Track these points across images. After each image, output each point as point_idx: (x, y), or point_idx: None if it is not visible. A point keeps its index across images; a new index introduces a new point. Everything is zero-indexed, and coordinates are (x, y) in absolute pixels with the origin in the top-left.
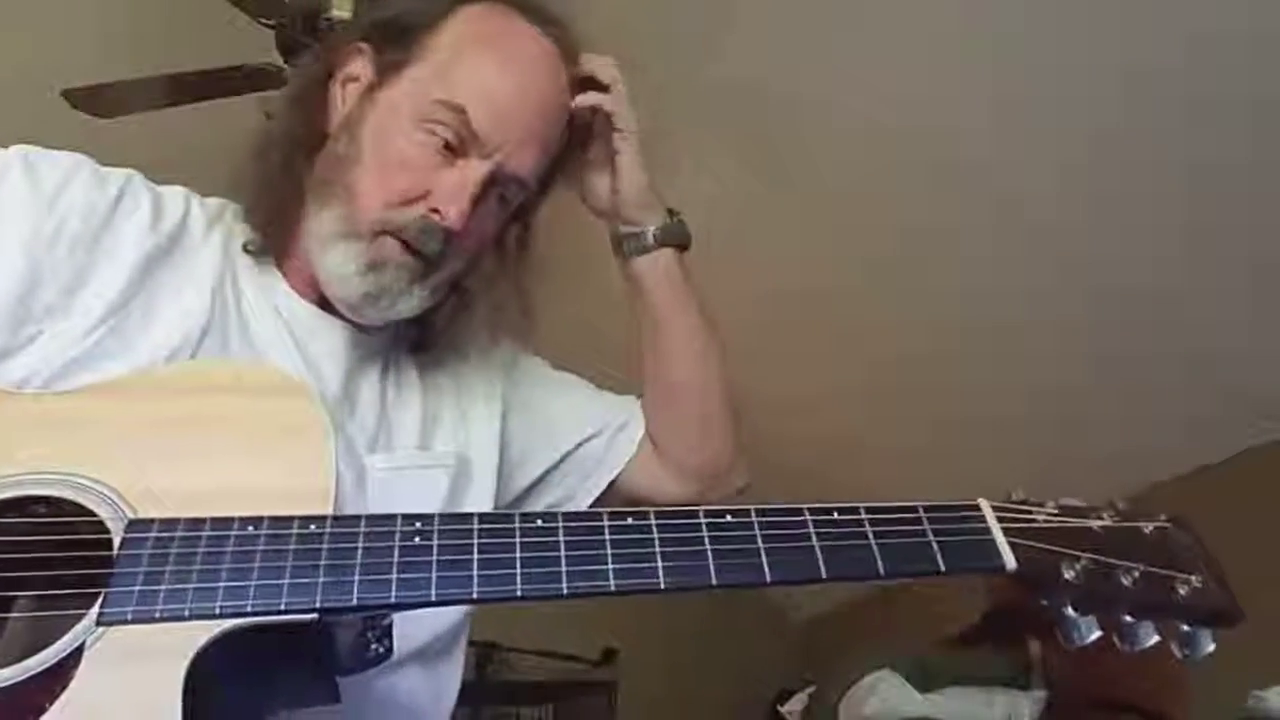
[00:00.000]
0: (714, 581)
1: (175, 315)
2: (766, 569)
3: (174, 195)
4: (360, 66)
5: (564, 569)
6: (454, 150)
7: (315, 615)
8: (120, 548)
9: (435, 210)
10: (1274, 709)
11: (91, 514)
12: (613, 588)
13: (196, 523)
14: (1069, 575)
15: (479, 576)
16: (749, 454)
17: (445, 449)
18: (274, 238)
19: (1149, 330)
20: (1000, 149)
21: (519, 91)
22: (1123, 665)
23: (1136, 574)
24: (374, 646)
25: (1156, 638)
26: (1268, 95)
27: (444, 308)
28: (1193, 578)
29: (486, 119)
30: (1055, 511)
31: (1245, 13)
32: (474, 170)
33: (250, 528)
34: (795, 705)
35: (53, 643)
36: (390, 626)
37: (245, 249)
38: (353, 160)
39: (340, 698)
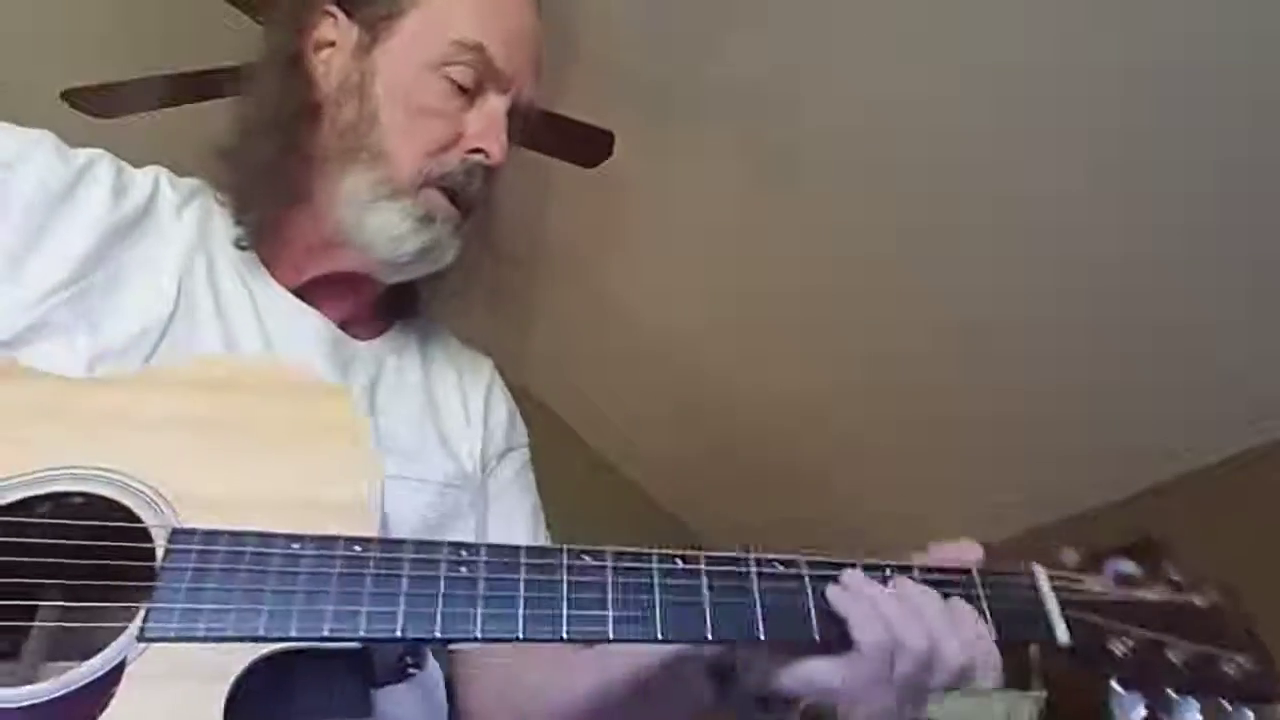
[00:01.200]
0: (761, 636)
1: (142, 296)
2: (815, 629)
3: (144, 174)
4: (334, 30)
5: (610, 613)
6: (468, 91)
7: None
8: (163, 559)
9: (475, 150)
10: (1274, 709)
11: (134, 516)
12: (659, 636)
13: (239, 537)
14: (1119, 651)
15: (525, 617)
16: (749, 453)
17: (440, 465)
18: (270, 224)
19: (1149, 330)
20: (1000, 149)
21: (521, 23)
22: None
23: (1186, 651)
24: (410, 669)
25: (1199, 717)
26: (1268, 95)
27: None
28: (1239, 657)
29: (503, 53)
30: (1110, 581)
31: (1245, 13)
32: (499, 103)
33: (294, 546)
34: None
35: (91, 652)
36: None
37: (238, 246)
38: (370, 122)
39: (372, 711)
